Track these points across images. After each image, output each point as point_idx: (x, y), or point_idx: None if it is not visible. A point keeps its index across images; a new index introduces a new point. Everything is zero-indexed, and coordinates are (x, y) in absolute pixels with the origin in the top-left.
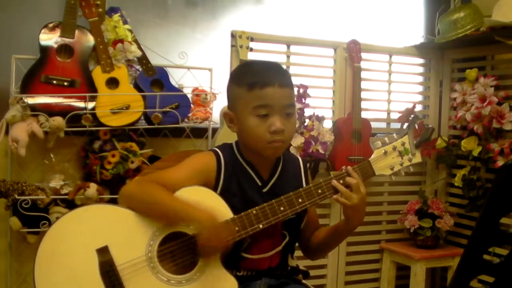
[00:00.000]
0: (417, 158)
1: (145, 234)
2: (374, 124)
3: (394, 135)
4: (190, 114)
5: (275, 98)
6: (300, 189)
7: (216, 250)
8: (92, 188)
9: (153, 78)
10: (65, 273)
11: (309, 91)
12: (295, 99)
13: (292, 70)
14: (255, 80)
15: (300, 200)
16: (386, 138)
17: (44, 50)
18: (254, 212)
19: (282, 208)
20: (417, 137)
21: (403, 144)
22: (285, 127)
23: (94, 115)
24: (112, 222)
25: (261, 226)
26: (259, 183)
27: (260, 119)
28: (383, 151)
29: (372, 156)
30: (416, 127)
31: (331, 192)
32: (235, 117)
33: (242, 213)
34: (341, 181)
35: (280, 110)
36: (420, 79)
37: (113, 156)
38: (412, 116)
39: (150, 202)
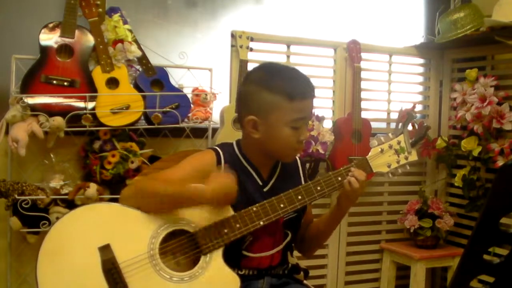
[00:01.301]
0: (413, 156)
1: (146, 231)
2: (374, 124)
3: (390, 134)
4: (190, 114)
5: (310, 110)
6: (300, 186)
7: (227, 192)
8: (92, 188)
9: (153, 78)
10: (67, 271)
11: None
12: None
13: None
14: (296, 91)
15: (299, 197)
16: (382, 138)
17: (44, 50)
18: (255, 209)
19: (282, 205)
20: (413, 136)
21: (399, 143)
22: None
23: (94, 115)
24: (113, 220)
25: (261, 223)
26: (260, 183)
27: (294, 130)
28: (380, 149)
29: (369, 153)
30: (416, 127)
31: (330, 189)
32: (263, 124)
33: (242, 210)
34: (340, 178)
35: (308, 120)
36: (420, 79)
37: (113, 156)
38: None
39: (152, 195)
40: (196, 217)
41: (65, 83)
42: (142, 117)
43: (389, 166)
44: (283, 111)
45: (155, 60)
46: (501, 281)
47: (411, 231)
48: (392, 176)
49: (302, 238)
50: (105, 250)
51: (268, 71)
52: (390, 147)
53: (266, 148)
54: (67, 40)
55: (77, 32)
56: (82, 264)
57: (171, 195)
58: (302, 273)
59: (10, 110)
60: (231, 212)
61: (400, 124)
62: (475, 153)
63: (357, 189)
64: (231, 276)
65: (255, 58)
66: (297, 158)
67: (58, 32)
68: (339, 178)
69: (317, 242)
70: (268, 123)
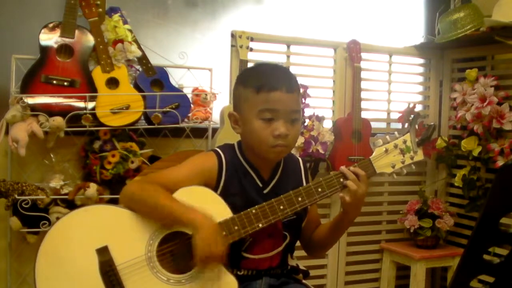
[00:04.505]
0: (419, 156)
1: (144, 234)
2: (374, 124)
3: (396, 133)
4: (190, 114)
5: (282, 103)
6: (300, 188)
7: (212, 261)
8: (92, 188)
9: (153, 78)
10: (65, 272)
11: (309, 91)
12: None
13: (292, 70)
14: (262, 83)
15: (299, 199)
16: (387, 136)
17: (44, 50)
18: (254, 211)
19: (281, 207)
20: (418, 136)
21: (404, 142)
22: (289, 132)
23: (94, 115)
24: (112, 222)
25: (260, 225)
26: (260, 184)
27: (265, 122)
28: (384, 149)
29: (373, 154)
30: (416, 127)
31: (331, 191)
32: (240, 119)
33: (241, 213)
34: (342, 179)
35: (285, 115)
36: (420, 79)
37: (113, 156)
38: (413, 114)
39: (150, 205)
40: None
41: (65, 83)
42: (142, 117)
43: (393, 167)
44: (251, 103)
45: (155, 60)
46: (501, 281)
47: (411, 231)
48: (396, 175)
49: (308, 241)
50: (103, 252)
51: (249, 68)
52: (396, 146)
53: (248, 144)
54: (67, 40)
55: (77, 32)
56: (80, 266)
57: (167, 213)
58: (301, 274)
59: (10, 110)
60: (230, 214)
61: (407, 123)
62: (475, 153)
63: (355, 191)
64: (229, 278)
65: (255, 58)
66: (300, 159)
67: (58, 32)
68: (341, 180)
69: (323, 246)
70: (243, 117)
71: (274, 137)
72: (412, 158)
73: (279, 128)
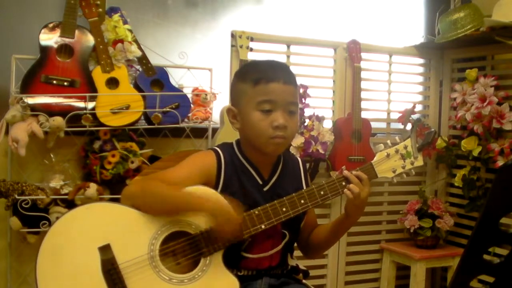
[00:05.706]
0: (419, 162)
1: (147, 232)
2: (374, 124)
3: (397, 137)
4: (190, 114)
5: (280, 94)
6: (303, 190)
7: (234, 233)
8: (92, 188)
9: (153, 78)
10: (67, 270)
11: (309, 91)
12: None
13: (292, 70)
14: (260, 75)
15: (302, 201)
16: (388, 141)
17: (44, 50)
18: (257, 212)
19: (284, 209)
20: (420, 136)
21: (405, 147)
22: (288, 123)
23: (94, 115)
24: (114, 220)
25: (263, 226)
26: (260, 182)
27: (263, 114)
28: (386, 153)
29: (375, 158)
30: (417, 129)
31: (333, 194)
32: (239, 113)
33: (244, 213)
34: (344, 183)
35: (283, 106)
36: (420, 79)
37: (113, 156)
38: (413, 117)
39: (157, 198)
40: (197, 219)
41: (65, 83)
42: (142, 117)
43: (394, 171)
44: (249, 95)
45: (155, 60)
46: (501, 281)
47: (411, 231)
48: (396, 179)
49: (306, 242)
50: (105, 250)
51: (246, 64)
52: (397, 151)
53: (247, 138)
54: (67, 40)
55: (77, 32)
56: (82, 264)
57: (178, 202)
58: (301, 274)
59: (10, 110)
60: None
61: (408, 126)
62: (475, 153)
63: (358, 194)
64: (231, 279)
65: (255, 58)
66: (299, 160)
67: (58, 32)
68: (343, 183)
69: (321, 248)
70: (241, 111)
71: (273, 128)
72: (412, 163)
73: (278, 119)
